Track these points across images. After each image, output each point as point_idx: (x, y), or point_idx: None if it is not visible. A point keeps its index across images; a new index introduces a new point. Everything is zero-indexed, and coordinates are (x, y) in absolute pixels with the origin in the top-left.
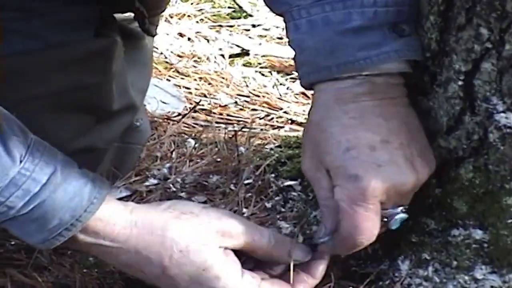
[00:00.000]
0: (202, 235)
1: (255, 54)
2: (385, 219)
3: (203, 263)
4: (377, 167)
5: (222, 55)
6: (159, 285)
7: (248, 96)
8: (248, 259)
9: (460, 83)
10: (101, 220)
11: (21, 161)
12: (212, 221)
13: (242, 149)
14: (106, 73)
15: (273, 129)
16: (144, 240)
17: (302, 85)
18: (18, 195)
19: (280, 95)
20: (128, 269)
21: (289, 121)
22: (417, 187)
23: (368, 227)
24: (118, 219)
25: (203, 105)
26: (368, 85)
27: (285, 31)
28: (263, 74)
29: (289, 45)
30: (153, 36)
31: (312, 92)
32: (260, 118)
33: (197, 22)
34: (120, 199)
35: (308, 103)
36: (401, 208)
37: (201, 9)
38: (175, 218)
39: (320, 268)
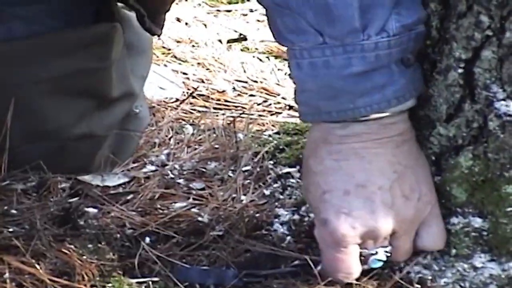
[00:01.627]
0: None
1: (253, 40)
2: (363, 258)
3: None
4: (348, 212)
5: (220, 40)
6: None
7: (245, 82)
8: None
9: (460, 70)
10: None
11: None
12: None
13: (240, 135)
14: (106, 59)
15: (271, 115)
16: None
17: (300, 119)
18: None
19: (278, 81)
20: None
21: (287, 107)
22: (403, 226)
23: (342, 268)
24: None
25: (201, 90)
26: (358, 127)
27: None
28: (260, 60)
29: (290, 78)
30: (158, 36)
31: None
32: (258, 104)
33: (194, 7)
34: (117, 185)
35: None
36: (380, 249)
37: None
38: None
39: None
